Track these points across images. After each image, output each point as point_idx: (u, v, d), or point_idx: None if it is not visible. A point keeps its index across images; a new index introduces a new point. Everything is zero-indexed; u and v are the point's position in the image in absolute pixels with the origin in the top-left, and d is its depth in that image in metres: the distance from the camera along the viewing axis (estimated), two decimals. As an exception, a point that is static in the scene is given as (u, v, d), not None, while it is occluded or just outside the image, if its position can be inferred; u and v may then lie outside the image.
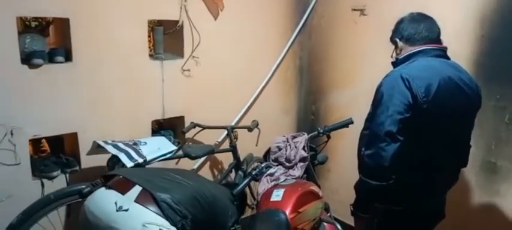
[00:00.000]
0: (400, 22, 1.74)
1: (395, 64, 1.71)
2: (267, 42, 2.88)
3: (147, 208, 1.48)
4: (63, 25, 2.05)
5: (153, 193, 1.52)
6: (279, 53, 2.95)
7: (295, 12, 2.99)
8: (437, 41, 1.69)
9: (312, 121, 3.13)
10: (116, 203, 1.49)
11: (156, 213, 1.48)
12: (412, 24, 1.69)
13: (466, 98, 1.62)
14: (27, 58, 1.92)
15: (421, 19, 1.69)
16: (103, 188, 1.59)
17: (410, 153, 1.52)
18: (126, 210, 1.46)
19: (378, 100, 1.56)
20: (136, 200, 1.49)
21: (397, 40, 1.72)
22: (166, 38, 2.47)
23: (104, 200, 1.53)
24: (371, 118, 1.60)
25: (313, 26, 3.05)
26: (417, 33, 1.66)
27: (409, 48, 1.67)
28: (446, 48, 1.69)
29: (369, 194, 1.59)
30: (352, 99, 2.78)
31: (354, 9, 2.74)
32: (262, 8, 2.79)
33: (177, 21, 2.40)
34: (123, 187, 1.56)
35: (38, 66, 1.93)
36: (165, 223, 1.47)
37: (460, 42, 2.10)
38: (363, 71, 2.71)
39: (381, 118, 1.51)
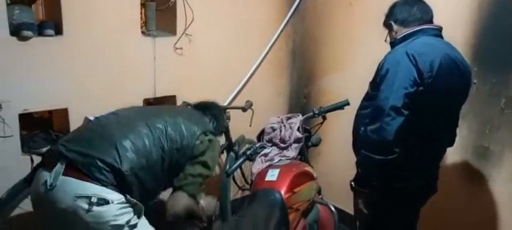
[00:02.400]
0: (394, 6, 1.79)
1: (393, 45, 1.74)
2: (261, 22, 2.84)
3: (78, 179, 1.37)
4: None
5: (76, 163, 1.39)
6: (272, 34, 2.91)
7: (289, -6, 2.96)
8: (431, 21, 1.74)
9: (304, 104, 3.12)
10: (45, 182, 1.38)
11: (90, 182, 1.37)
12: (405, 6, 1.74)
13: (461, 76, 1.68)
14: (15, 31, 1.85)
15: (414, 2, 1.75)
16: (39, 170, 1.47)
17: (412, 128, 1.55)
18: (53, 187, 1.36)
19: (382, 76, 1.59)
20: (65, 173, 1.38)
21: (392, 23, 1.76)
22: (158, 14, 2.41)
23: (36, 182, 1.44)
24: (374, 95, 1.62)
25: (307, 8, 3.02)
26: (411, 15, 1.71)
27: (404, 30, 1.72)
28: (441, 27, 1.74)
29: (372, 169, 1.61)
30: (344, 84, 2.78)
31: (350, -8, 2.72)
32: (257, -13, 2.74)
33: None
34: (50, 162, 1.43)
35: (27, 38, 1.87)
36: (102, 190, 1.37)
37: (455, 25, 2.11)
38: (357, 55, 2.71)
39: (386, 93, 1.53)
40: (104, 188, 1.38)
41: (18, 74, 1.90)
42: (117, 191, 1.41)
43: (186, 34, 2.43)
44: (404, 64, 1.54)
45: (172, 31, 2.43)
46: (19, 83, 1.91)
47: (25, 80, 1.92)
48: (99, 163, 1.40)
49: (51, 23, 1.97)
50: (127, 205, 1.43)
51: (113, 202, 1.37)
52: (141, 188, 1.49)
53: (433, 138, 1.69)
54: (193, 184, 1.63)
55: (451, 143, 1.86)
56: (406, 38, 1.69)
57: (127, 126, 1.57)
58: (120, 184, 1.42)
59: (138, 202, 1.45)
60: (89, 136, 1.52)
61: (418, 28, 1.69)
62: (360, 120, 1.72)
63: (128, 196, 1.43)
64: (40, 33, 1.93)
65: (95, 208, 1.35)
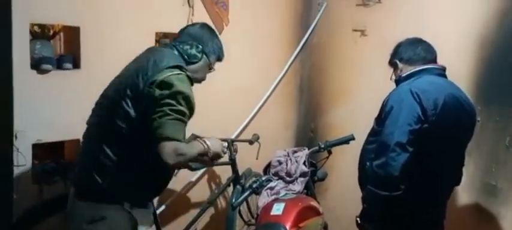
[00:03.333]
0: (399, 46, 1.85)
1: (398, 82, 1.78)
2: (270, 57, 2.93)
3: (80, 201, 1.52)
4: (73, 33, 2.09)
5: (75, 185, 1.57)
6: (280, 69, 2.99)
7: (297, 31, 3.05)
8: (435, 61, 1.79)
9: (311, 138, 3.15)
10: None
11: (86, 201, 1.50)
12: (410, 46, 1.80)
13: (466, 114, 1.71)
14: (36, 64, 1.94)
15: (418, 42, 1.81)
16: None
17: (418, 165, 1.57)
18: (70, 209, 1.55)
19: (387, 112, 1.63)
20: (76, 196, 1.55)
21: (397, 61, 1.81)
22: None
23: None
24: (379, 131, 1.65)
25: (314, 45, 3.12)
26: (416, 54, 1.77)
27: (409, 68, 1.77)
28: (445, 68, 1.78)
29: (377, 204, 1.62)
30: (350, 118, 2.81)
31: (355, 30, 2.81)
32: (266, 24, 2.85)
33: (183, 33, 2.44)
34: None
35: (46, 71, 1.96)
36: (97, 208, 1.49)
37: (460, 62, 2.16)
38: (362, 91, 2.76)
39: (391, 129, 1.57)
40: (98, 204, 1.47)
41: (34, 105, 1.97)
42: (111, 203, 1.47)
43: (197, 68, 2.51)
44: (409, 102, 1.59)
45: (183, 66, 2.51)
46: (34, 114, 1.97)
47: (40, 111, 1.99)
48: (87, 182, 1.49)
49: (70, 57, 2.07)
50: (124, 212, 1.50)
51: (108, 217, 1.46)
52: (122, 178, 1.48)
53: (438, 176, 1.69)
54: (167, 125, 1.37)
55: (457, 182, 1.86)
56: (410, 76, 1.73)
57: (95, 136, 1.59)
58: (109, 195, 1.48)
59: (131, 212, 1.51)
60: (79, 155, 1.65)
61: (423, 67, 1.73)
62: (365, 155, 1.75)
63: (126, 204, 1.49)
64: (59, 66, 2.03)
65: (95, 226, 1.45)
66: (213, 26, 2.51)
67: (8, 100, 1.66)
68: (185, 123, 1.44)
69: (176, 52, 1.59)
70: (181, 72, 1.47)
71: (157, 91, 1.40)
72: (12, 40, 1.61)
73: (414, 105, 1.57)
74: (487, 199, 2.14)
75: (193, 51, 1.60)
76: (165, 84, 1.40)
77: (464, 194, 2.19)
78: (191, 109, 1.47)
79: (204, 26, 1.72)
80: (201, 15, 2.49)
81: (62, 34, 2.24)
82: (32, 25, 2.03)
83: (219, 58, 1.74)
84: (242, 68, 2.76)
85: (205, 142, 1.51)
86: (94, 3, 2.10)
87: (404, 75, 1.76)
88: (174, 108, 1.39)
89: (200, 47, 1.62)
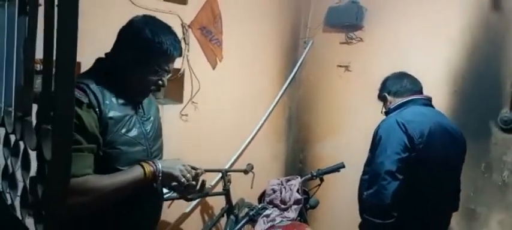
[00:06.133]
0: (386, 80, 1.97)
1: (387, 113, 1.90)
2: (260, 91, 3.07)
3: None
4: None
5: None
6: (270, 102, 3.14)
7: (286, 66, 3.23)
8: (421, 92, 1.91)
9: (300, 168, 3.26)
10: None
11: None
12: (397, 80, 1.93)
13: (454, 141, 1.80)
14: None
15: (403, 75, 1.94)
16: None
17: (409, 192, 1.64)
18: None
19: (377, 143, 1.72)
20: None
21: (386, 95, 1.92)
22: (167, 83, 2.60)
23: None
24: (370, 161, 1.75)
25: (302, 79, 3.29)
26: (402, 86, 1.89)
27: (397, 100, 1.88)
28: (430, 98, 1.91)
29: None
30: (338, 149, 2.94)
31: (339, 66, 3.00)
32: (257, 60, 3.01)
33: (179, 69, 2.56)
34: None
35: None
36: None
37: (438, 95, 2.33)
38: (348, 123, 2.92)
39: (381, 158, 1.66)
40: None
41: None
42: None
43: (192, 102, 2.62)
44: (395, 132, 1.68)
45: (179, 99, 2.62)
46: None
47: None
48: None
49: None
50: None
51: None
52: None
53: (433, 202, 1.75)
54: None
55: (454, 207, 1.92)
56: (398, 107, 1.84)
57: None
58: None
59: None
60: None
61: (409, 98, 1.84)
62: (362, 185, 1.81)
63: None
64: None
65: None
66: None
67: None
68: (82, 151, 1.13)
69: None
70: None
71: None
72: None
73: (400, 135, 1.66)
74: (467, 223, 2.28)
75: None
76: None
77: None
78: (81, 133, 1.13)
79: None
80: (196, 51, 2.63)
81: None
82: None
83: None
84: (233, 101, 2.89)
85: (154, 163, 1.24)
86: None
87: (392, 106, 1.86)
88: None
89: None
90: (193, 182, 1.29)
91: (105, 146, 1.19)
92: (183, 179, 1.26)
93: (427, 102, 1.88)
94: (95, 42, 2.05)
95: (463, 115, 2.30)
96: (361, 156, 1.89)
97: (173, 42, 1.28)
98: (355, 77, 2.90)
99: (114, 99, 1.24)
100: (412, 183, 1.65)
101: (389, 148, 1.65)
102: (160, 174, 1.23)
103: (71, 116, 0.77)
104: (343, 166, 2.25)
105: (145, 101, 1.40)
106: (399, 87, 1.89)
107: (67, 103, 0.76)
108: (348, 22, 2.86)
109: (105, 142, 1.19)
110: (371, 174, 1.71)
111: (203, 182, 1.36)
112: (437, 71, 2.43)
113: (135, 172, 1.21)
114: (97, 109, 1.18)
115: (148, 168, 1.22)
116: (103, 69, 1.29)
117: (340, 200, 2.31)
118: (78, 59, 1.96)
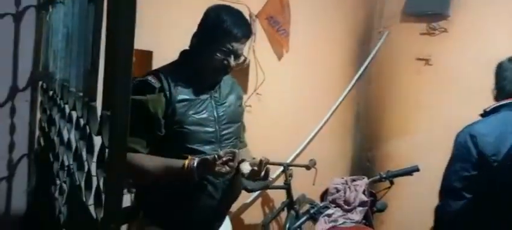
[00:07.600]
0: (498, 67, 1.56)
1: (483, 116, 1.58)
2: (327, 85, 2.93)
3: None
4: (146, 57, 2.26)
5: None
6: (337, 96, 2.98)
7: (356, 59, 3.04)
8: None
9: (368, 167, 3.07)
10: None
11: None
12: (508, 72, 1.52)
13: None
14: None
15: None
16: None
17: (479, 213, 1.44)
18: None
19: (451, 153, 1.53)
20: None
21: (493, 88, 1.57)
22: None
23: None
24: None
25: (373, 73, 3.08)
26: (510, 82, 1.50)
27: (497, 101, 1.54)
28: None
29: None
30: (411, 150, 2.70)
31: (418, 59, 2.74)
32: (325, 52, 2.87)
33: (245, 59, 2.53)
34: None
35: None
36: None
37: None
38: (426, 121, 2.66)
39: (448, 172, 1.50)
40: None
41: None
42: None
43: (257, 93, 2.59)
44: (466, 145, 1.45)
45: (243, 90, 2.59)
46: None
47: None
48: None
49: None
50: None
51: None
52: None
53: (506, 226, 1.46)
54: None
55: None
56: (493, 111, 1.52)
57: None
58: None
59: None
60: None
61: (504, 102, 1.50)
62: None
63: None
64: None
65: None
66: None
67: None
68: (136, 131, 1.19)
69: None
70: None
71: None
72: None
73: (470, 149, 1.43)
74: None
75: None
76: None
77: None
78: (141, 115, 1.25)
79: None
80: (263, 42, 2.58)
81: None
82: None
83: None
84: (299, 94, 2.80)
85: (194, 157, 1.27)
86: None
87: (488, 109, 1.53)
88: None
89: None
90: (233, 164, 1.25)
91: (175, 125, 1.32)
92: (218, 162, 1.23)
93: None
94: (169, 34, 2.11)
95: None
96: (440, 159, 1.65)
97: (236, 20, 1.33)
98: (436, 72, 2.63)
99: (187, 84, 1.35)
100: (485, 204, 1.42)
101: (458, 163, 1.48)
102: (195, 163, 1.25)
103: (127, 102, 0.78)
104: (418, 170, 2.04)
105: (225, 87, 1.48)
106: (506, 83, 1.50)
107: (123, 90, 0.78)
108: (431, 10, 2.62)
109: (174, 121, 1.31)
110: (441, 186, 1.54)
111: (267, 169, 1.37)
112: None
113: (175, 163, 1.28)
114: (168, 92, 1.31)
115: (188, 161, 1.27)
116: (183, 57, 1.43)
117: (413, 205, 2.10)
118: (150, 48, 1.99)
